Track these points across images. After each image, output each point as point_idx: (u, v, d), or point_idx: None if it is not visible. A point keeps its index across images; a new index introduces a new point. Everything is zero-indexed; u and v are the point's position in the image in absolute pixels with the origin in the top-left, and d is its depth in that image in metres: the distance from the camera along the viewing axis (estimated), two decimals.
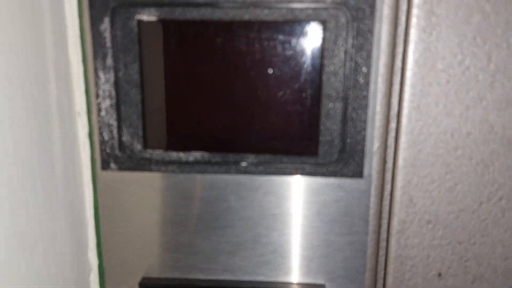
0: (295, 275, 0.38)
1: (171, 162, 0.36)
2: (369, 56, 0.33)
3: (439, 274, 0.38)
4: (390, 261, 0.38)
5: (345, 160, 0.35)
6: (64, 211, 0.36)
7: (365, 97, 0.34)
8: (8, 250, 0.29)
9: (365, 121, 0.34)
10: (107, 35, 0.33)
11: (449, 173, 0.36)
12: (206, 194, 0.37)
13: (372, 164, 0.36)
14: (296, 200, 0.37)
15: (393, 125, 0.36)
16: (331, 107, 0.34)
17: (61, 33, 0.34)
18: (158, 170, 0.36)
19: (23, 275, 0.30)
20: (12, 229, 0.29)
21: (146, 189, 0.37)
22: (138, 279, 0.39)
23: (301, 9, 0.32)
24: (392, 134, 0.36)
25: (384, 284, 0.39)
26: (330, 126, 0.34)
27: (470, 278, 0.38)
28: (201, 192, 0.37)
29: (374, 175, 0.36)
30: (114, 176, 0.36)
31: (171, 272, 0.39)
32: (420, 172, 0.36)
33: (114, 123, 0.35)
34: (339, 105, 0.34)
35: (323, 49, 0.33)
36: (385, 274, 0.39)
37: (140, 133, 0.35)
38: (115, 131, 0.35)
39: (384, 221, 0.38)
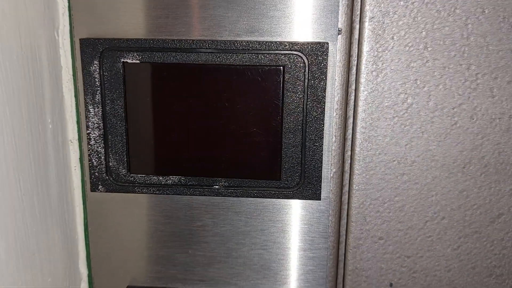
0: (261, 286, 0.43)
1: (152, 185, 0.40)
2: (323, 95, 0.38)
3: (391, 285, 0.43)
4: (348, 273, 0.43)
5: (305, 184, 0.40)
6: (58, 227, 0.41)
7: (321, 130, 0.39)
8: (9, 261, 0.33)
9: (321, 151, 0.39)
10: (96, 75, 0.38)
11: (398, 195, 0.41)
12: (183, 213, 0.42)
13: (329, 187, 0.41)
14: (262, 219, 0.42)
15: (348, 153, 0.41)
16: (291, 138, 0.39)
17: (56, 73, 0.39)
18: (141, 192, 0.40)
19: (22, 284, 0.35)
20: (13, 243, 0.34)
21: (130, 208, 0.42)
22: (124, 287, 0.44)
23: (264, 55, 0.37)
24: (347, 161, 0.41)
25: None
26: (291, 154, 0.39)
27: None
28: (179, 212, 0.42)
29: (332, 197, 0.41)
30: (102, 196, 0.41)
31: (153, 281, 0.44)
32: (372, 195, 0.41)
33: (102, 150, 0.40)
34: (298, 137, 0.39)
35: (283, 89, 0.38)
36: (343, 285, 0.44)
37: (125, 159, 0.40)
38: (103, 158, 0.40)
39: (342, 238, 0.43)
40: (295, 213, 0.41)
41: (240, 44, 0.37)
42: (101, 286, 0.44)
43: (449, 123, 0.39)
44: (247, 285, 0.43)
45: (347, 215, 0.42)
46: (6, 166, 0.32)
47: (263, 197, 0.40)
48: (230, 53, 0.37)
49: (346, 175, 0.41)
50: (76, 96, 0.40)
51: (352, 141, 0.40)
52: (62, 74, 0.39)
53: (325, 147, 0.40)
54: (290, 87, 0.38)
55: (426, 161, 0.40)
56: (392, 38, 0.37)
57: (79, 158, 0.41)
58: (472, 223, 0.41)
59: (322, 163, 0.39)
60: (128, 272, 0.44)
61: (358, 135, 0.40)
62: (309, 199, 0.40)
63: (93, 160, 0.40)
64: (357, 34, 0.38)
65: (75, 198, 0.42)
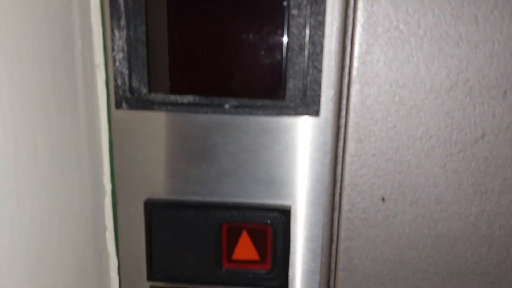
0: (266, 198, 0.48)
1: (170, 103, 0.45)
2: (323, 21, 0.42)
3: (383, 199, 0.48)
4: (344, 188, 0.48)
5: (306, 102, 0.44)
6: (85, 143, 0.46)
7: (321, 53, 0.43)
8: (43, 166, 0.39)
9: (320, 74, 0.44)
10: (121, 2, 0.43)
11: (389, 116, 0.45)
12: (197, 132, 0.47)
13: (328, 108, 0.45)
14: (268, 138, 0.47)
15: (346, 79, 0.45)
16: (295, 60, 0.44)
17: (85, 1, 0.44)
18: (160, 110, 0.45)
19: (51, 189, 0.40)
20: (45, 151, 0.39)
21: (150, 125, 0.47)
22: (143, 199, 0.49)
23: None
24: (346, 84, 0.45)
25: (339, 207, 0.48)
26: (294, 76, 0.44)
27: (408, 202, 0.48)
28: (194, 131, 0.47)
29: (330, 117, 0.46)
30: (125, 114, 0.46)
31: (169, 194, 0.49)
32: (366, 115, 0.46)
33: (125, 71, 0.45)
34: (301, 59, 0.43)
35: (289, 15, 0.42)
36: (340, 198, 0.48)
37: (146, 79, 0.45)
38: (126, 78, 0.45)
39: (340, 154, 0.47)
40: (297, 132, 0.46)
41: None
42: (123, 199, 0.50)
43: (437, 49, 0.43)
44: (254, 197, 0.48)
45: (344, 133, 0.46)
46: (46, 86, 0.37)
47: (269, 116, 0.45)
48: None
49: (344, 98, 0.46)
50: (103, 22, 0.45)
51: (350, 64, 0.44)
52: (90, 2, 0.44)
53: (325, 71, 0.44)
54: (293, 13, 0.42)
55: (416, 84, 0.45)
56: None
57: (105, 81, 0.46)
58: (458, 143, 0.46)
59: (321, 86, 0.44)
60: (147, 187, 0.49)
61: (355, 60, 0.44)
62: (310, 115, 0.45)
63: (118, 81, 0.45)
64: None
65: (101, 116, 0.47)
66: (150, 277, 0.51)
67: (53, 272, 0.41)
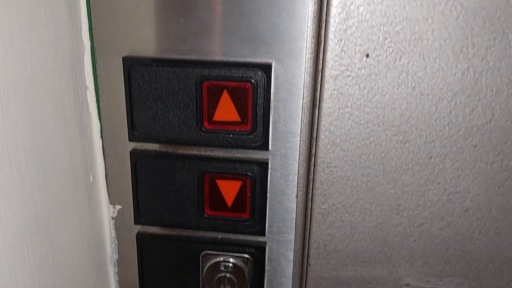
0: (248, 56, 0.47)
1: None
2: None
3: (367, 55, 0.47)
4: (328, 44, 0.46)
5: None
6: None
7: None
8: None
9: None
10: None
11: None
12: None
13: None
14: None
15: None
16: None
17: None
18: None
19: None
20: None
21: None
22: (122, 55, 0.48)
23: None
24: None
25: (323, 65, 0.47)
26: None
27: (392, 58, 0.46)
28: None
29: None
30: None
31: (149, 52, 0.48)
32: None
33: None
34: None
35: None
36: (324, 55, 0.47)
37: None
38: None
39: (324, 4, 0.45)
40: None
41: None
42: (102, 56, 0.49)
43: None
44: (234, 55, 0.47)
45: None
46: None
47: None
48: None
49: None
50: None
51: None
52: None
53: None
54: None
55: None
56: None
57: None
58: None
59: None
60: (126, 44, 0.48)
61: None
62: None
63: None
64: None
65: None
66: (131, 138, 0.51)
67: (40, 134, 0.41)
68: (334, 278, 0.55)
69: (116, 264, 0.57)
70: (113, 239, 0.56)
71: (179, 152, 0.52)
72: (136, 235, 0.55)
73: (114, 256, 0.57)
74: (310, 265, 0.55)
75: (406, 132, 0.49)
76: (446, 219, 0.51)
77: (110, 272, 0.58)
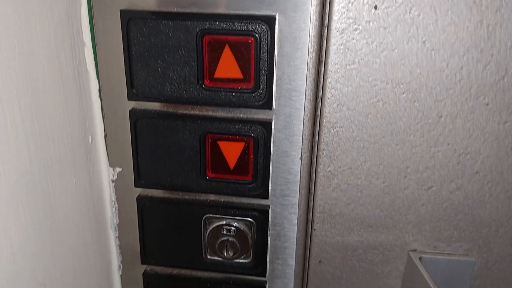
0: (249, 8, 0.45)
1: None
2: None
3: (375, 7, 0.44)
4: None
5: None
6: None
7: None
8: None
9: None
10: None
11: None
12: None
13: None
14: None
15: None
16: None
17: None
18: None
19: None
20: None
21: None
22: (120, 8, 0.46)
23: None
24: None
25: (329, 18, 0.45)
26: None
27: (401, 11, 0.44)
28: None
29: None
30: None
31: (147, 6, 0.46)
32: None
33: None
34: None
35: None
36: (330, 7, 0.45)
37: None
38: None
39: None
40: None
41: None
42: (100, 12, 0.47)
43: None
44: (236, 8, 0.45)
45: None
46: None
47: None
48: None
49: None
50: None
51: None
52: None
53: None
54: None
55: None
56: None
57: None
58: None
59: None
60: None
61: None
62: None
63: None
64: None
65: None
66: (131, 96, 0.49)
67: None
68: (339, 243, 0.54)
69: (117, 228, 0.56)
70: (113, 202, 0.55)
71: (179, 112, 0.50)
72: (137, 198, 0.54)
73: (115, 220, 0.56)
74: (314, 229, 0.53)
75: (416, 90, 0.47)
76: (455, 182, 0.50)
77: (111, 237, 0.57)
